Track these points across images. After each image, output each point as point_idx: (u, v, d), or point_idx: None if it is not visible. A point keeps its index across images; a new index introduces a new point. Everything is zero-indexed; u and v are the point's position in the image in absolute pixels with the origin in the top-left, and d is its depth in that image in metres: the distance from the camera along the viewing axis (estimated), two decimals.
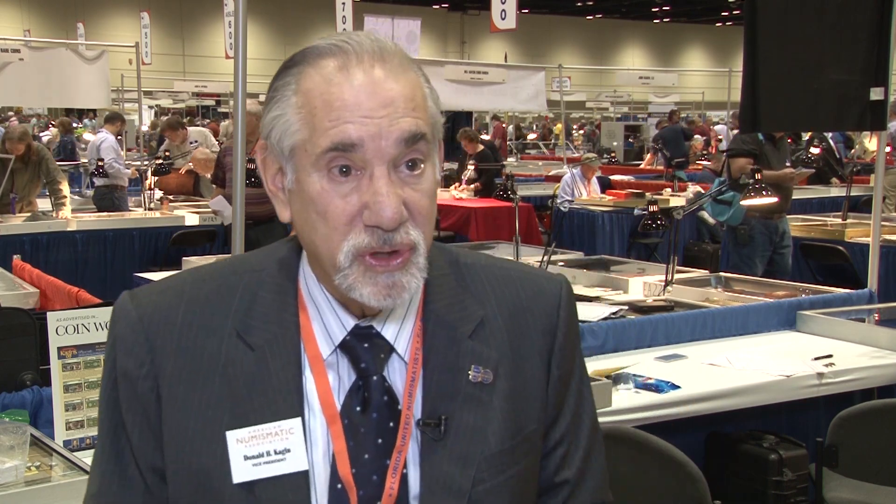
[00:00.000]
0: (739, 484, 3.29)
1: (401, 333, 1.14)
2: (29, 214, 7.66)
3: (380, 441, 1.10)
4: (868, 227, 5.18)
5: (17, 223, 7.43)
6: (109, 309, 2.62)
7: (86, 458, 2.31)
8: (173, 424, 1.11)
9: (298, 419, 1.10)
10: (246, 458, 1.08)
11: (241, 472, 1.08)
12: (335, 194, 1.05)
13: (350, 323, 1.13)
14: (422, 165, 1.08)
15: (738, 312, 3.99)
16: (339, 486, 1.09)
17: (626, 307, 4.21)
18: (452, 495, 1.10)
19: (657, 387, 3.13)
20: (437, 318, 1.16)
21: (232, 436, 1.09)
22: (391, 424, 1.11)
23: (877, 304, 4.24)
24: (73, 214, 7.84)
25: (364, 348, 1.12)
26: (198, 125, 16.56)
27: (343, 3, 9.47)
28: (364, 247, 1.05)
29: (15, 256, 5.29)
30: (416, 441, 1.12)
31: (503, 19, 8.81)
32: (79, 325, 2.49)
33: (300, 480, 1.09)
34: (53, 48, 10.44)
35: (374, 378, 1.12)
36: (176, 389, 1.11)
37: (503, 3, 8.73)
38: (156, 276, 5.59)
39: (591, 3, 38.06)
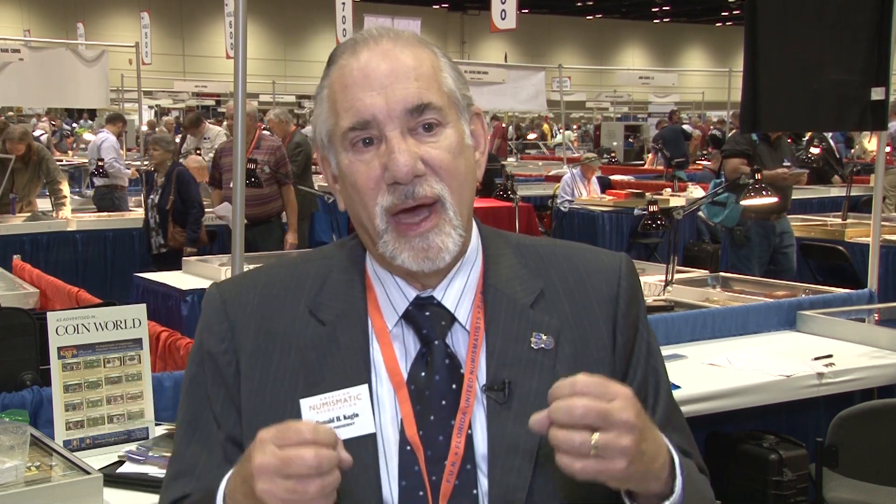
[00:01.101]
0: (739, 484, 3.29)
1: (461, 304, 1.21)
2: (29, 214, 7.67)
3: (443, 403, 1.16)
4: (868, 227, 5.17)
5: (17, 223, 7.43)
6: (109, 309, 2.63)
7: (86, 458, 2.31)
8: (251, 395, 1.20)
9: (365, 386, 1.17)
10: (318, 423, 1.13)
11: None
12: (360, 163, 1.16)
13: (412, 294, 1.21)
14: (438, 128, 1.15)
15: (738, 312, 3.99)
16: (408, 447, 1.15)
17: None
18: (519, 455, 1.14)
19: None
20: (497, 291, 1.22)
21: (305, 403, 1.16)
22: (454, 387, 1.17)
23: (877, 304, 4.24)
24: (73, 214, 7.85)
25: (425, 317, 1.20)
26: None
27: (343, 3, 9.46)
28: (390, 205, 1.13)
29: (15, 256, 5.29)
30: (481, 405, 1.17)
31: (503, 19, 8.80)
32: (79, 325, 2.49)
33: (369, 443, 1.15)
34: (53, 48, 10.43)
35: (437, 343, 1.18)
36: (254, 363, 1.21)
37: (503, 3, 8.72)
38: (156, 276, 5.58)
39: (591, 3, 38.05)
